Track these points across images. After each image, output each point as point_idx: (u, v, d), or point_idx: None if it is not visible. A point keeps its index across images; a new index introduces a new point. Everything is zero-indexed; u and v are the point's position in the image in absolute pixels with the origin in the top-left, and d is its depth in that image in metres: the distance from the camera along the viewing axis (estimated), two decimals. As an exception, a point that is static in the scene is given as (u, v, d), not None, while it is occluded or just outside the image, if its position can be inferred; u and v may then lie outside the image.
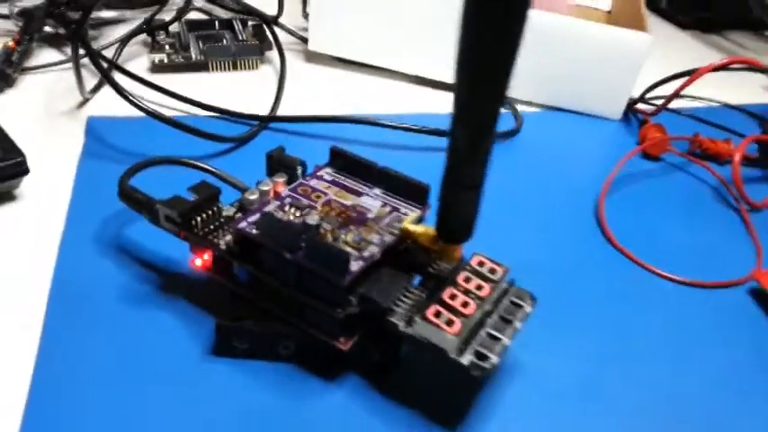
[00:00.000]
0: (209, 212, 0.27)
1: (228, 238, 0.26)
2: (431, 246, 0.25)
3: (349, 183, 0.28)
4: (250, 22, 0.51)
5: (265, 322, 0.25)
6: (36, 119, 0.40)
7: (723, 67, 0.40)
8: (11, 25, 0.48)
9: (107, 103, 0.42)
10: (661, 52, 0.53)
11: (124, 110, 0.40)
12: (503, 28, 0.18)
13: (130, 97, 0.38)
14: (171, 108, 0.42)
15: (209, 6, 0.56)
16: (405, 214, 0.26)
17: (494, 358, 0.22)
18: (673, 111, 0.49)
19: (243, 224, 0.25)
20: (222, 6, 0.55)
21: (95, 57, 0.39)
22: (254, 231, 0.24)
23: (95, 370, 0.25)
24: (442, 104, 0.47)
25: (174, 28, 0.50)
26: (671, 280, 0.33)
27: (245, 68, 0.49)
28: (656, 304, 0.32)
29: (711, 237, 0.37)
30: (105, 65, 0.43)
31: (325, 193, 0.27)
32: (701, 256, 0.35)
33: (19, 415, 0.23)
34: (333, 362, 0.26)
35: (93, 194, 0.34)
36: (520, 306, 0.25)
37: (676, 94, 0.43)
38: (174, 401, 0.24)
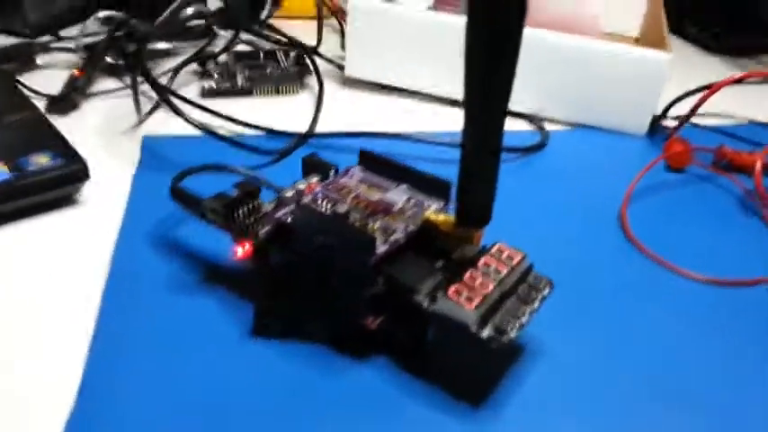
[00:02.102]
0: (250, 206, 0.29)
1: (267, 228, 0.29)
2: (452, 232, 0.27)
3: (376, 180, 0.30)
4: (292, 53, 0.55)
5: (299, 303, 0.27)
6: (97, 137, 0.44)
7: (742, 80, 0.41)
8: (77, 58, 0.53)
9: (160, 125, 0.46)
10: (684, 77, 0.55)
11: (175, 130, 0.44)
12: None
13: (186, 116, 0.42)
14: (218, 128, 0.46)
15: (255, 39, 0.60)
16: (427, 207, 0.28)
17: (511, 333, 0.24)
18: (698, 126, 0.50)
19: (280, 213, 0.27)
20: (266, 39, 0.59)
21: (153, 79, 0.43)
22: (290, 219, 0.27)
23: (145, 349, 0.27)
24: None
25: (221, 59, 0.54)
26: (690, 278, 0.34)
27: (286, 94, 0.52)
28: (674, 299, 0.33)
29: (733, 242, 0.38)
30: (159, 90, 0.47)
31: (354, 190, 0.29)
32: (721, 260, 0.36)
33: (76, 381, 0.26)
34: (361, 342, 0.28)
35: (147, 201, 0.37)
36: (538, 289, 0.26)
37: (698, 107, 0.44)
38: (214, 377, 0.26)
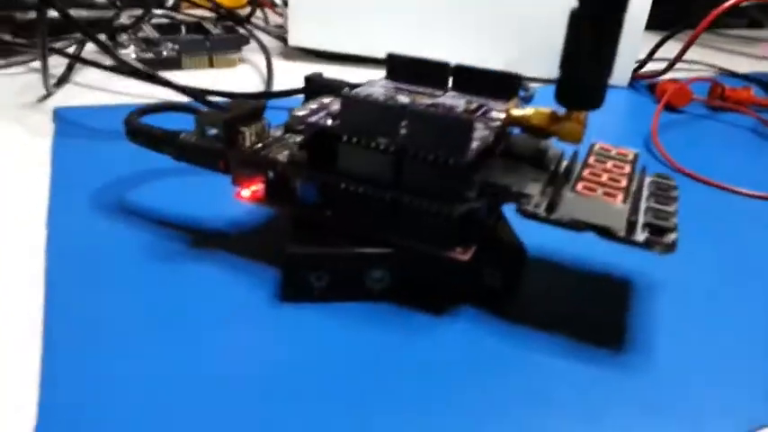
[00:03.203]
0: (256, 130, 0.21)
1: (286, 153, 0.21)
2: (547, 126, 0.20)
3: (415, 89, 0.23)
4: (220, 24, 0.47)
5: (350, 247, 0.19)
6: (-11, 112, 0.33)
7: (736, 5, 0.38)
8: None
9: (70, 97, 0.36)
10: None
11: (89, 101, 0.36)
12: None
13: (150, 73, 0.33)
14: (147, 97, 0.37)
15: (171, 12, 0.51)
16: (494, 108, 0.22)
17: (672, 233, 0.17)
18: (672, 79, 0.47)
19: (315, 118, 0.19)
20: (185, 14, 0.51)
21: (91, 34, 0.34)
22: (332, 122, 0.19)
23: (132, 343, 0.18)
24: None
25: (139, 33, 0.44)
26: (754, 197, 0.30)
27: (222, 65, 0.44)
28: (747, 217, 0.28)
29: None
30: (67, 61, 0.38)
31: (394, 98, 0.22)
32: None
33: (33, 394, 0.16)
34: (437, 293, 0.20)
35: (77, 171, 0.27)
36: (668, 187, 0.20)
37: (690, 44, 0.41)
38: (237, 346, 0.18)
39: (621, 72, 0.45)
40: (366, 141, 0.18)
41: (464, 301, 0.20)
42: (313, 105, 0.22)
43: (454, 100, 0.22)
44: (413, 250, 0.19)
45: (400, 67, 0.24)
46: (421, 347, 0.19)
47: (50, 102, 0.36)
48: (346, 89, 0.22)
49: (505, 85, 0.22)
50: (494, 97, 0.22)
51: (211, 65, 0.44)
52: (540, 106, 0.21)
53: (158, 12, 0.49)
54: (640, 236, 0.17)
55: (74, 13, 0.44)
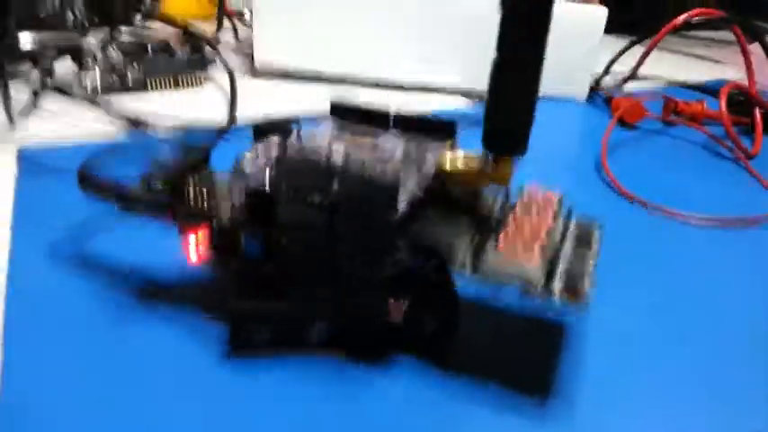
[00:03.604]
0: (201, 178, 0.22)
1: (229, 204, 0.21)
2: (476, 171, 0.21)
3: (358, 130, 0.24)
4: (187, 44, 0.47)
5: (291, 302, 0.20)
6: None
7: (688, 21, 0.40)
8: None
9: (37, 128, 0.37)
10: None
11: (55, 131, 0.37)
12: None
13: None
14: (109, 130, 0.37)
15: (139, 32, 0.51)
16: (432, 151, 0.23)
17: (585, 289, 0.18)
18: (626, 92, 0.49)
19: (256, 169, 0.20)
20: (150, 35, 0.51)
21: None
22: (268, 184, 0.20)
23: (79, 401, 0.19)
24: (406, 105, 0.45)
25: (101, 54, 0.45)
26: (696, 222, 0.31)
27: (188, 86, 0.45)
28: (686, 245, 0.30)
29: (718, 183, 0.36)
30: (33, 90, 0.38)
31: (335, 141, 0.23)
32: (715, 201, 0.34)
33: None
34: (374, 342, 0.21)
35: (40, 215, 0.28)
36: (590, 231, 0.21)
37: (645, 57, 0.42)
38: (178, 405, 0.19)
39: (577, 85, 0.46)
40: (300, 199, 0.19)
41: (402, 349, 0.21)
42: (258, 151, 0.23)
43: (392, 142, 0.23)
44: (349, 306, 0.20)
45: (343, 113, 0.25)
46: (359, 399, 0.20)
47: (16, 134, 0.36)
48: (288, 140, 0.23)
49: (442, 131, 0.23)
50: (432, 138, 0.23)
51: (177, 85, 0.44)
52: (470, 151, 0.22)
53: (125, 31, 0.50)
54: (555, 291, 0.18)
55: (42, 36, 0.45)
